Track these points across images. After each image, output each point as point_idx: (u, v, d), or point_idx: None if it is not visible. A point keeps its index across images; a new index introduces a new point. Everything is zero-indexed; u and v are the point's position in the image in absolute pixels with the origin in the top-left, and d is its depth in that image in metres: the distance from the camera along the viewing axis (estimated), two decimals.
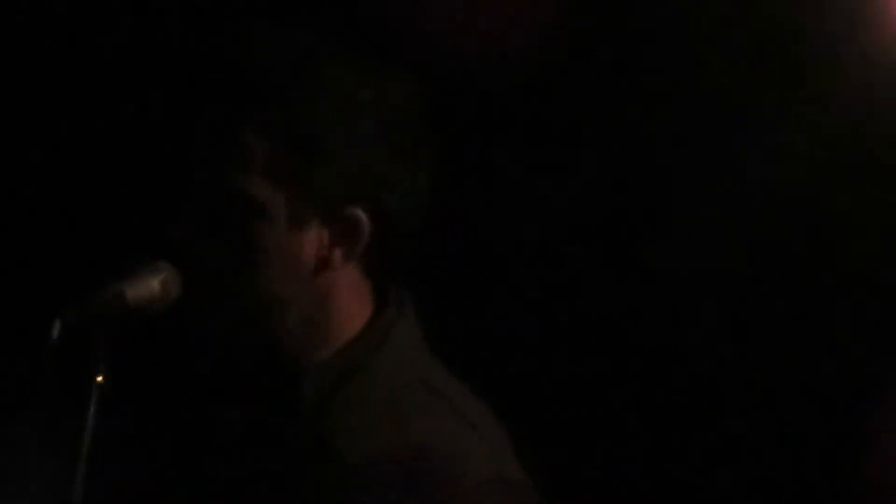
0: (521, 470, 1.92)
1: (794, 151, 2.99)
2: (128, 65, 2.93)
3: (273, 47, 1.85)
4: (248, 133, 1.81)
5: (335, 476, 1.85)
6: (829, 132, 2.97)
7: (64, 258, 2.28)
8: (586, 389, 3.12)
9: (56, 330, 1.73)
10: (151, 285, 1.81)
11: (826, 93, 2.95)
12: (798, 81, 2.97)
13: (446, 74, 2.67)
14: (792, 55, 2.95)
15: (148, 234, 1.88)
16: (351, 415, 1.86)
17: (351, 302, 1.89)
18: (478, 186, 3.04)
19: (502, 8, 2.96)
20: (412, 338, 1.93)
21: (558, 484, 2.55)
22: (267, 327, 1.86)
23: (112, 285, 1.78)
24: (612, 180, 3.13)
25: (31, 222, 2.97)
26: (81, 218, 2.88)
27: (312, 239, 1.84)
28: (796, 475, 3.08)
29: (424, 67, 2.01)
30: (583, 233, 3.18)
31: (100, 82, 2.96)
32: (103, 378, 1.75)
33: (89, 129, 2.97)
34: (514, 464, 1.92)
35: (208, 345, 1.90)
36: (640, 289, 3.16)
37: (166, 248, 1.83)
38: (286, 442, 1.90)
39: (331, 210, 1.84)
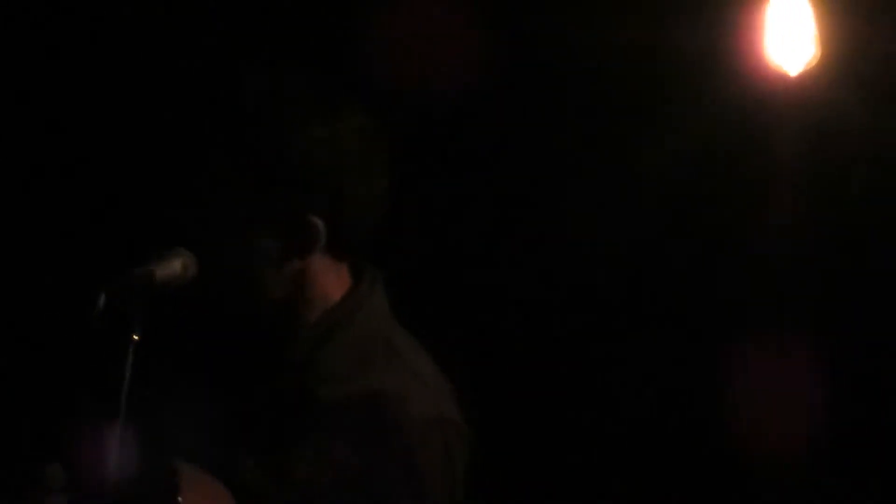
0: (459, 414, 2.27)
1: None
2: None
3: (258, 95, 2.24)
4: (225, 160, 2.24)
5: (314, 417, 2.22)
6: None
7: (107, 246, 2.65)
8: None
9: (102, 300, 2.11)
10: (174, 266, 2.19)
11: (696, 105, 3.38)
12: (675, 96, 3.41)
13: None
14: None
15: (173, 230, 2.26)
16: (327, 367, 2.25)
17: (326, 281, 2.28)
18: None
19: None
20: (380, 307, 2.32)
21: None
22: (259, 303, 2.27)
23: (144, 266, 2.17)
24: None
25: (83, 219, 3.38)
26: (119, 217, 3.29)
27: (281, 239, 2.25)
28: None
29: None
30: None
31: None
32: (138, 337, 2.11)
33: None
34: (453, 409, 2.27)
35: (220, 314, 2.30)
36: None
37: (188, 239, 2.23)
38: (278, 391, 2.28)
39: (293, 218, 2.24)
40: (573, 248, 3.52)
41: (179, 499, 2.12)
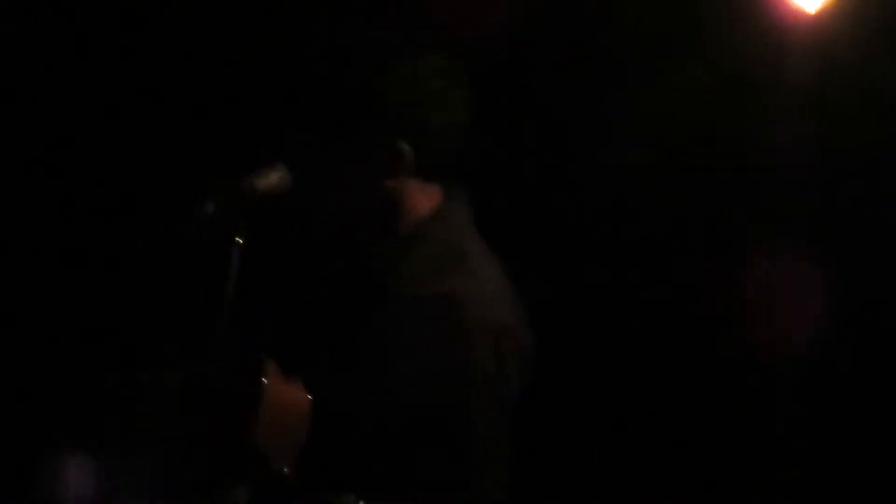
0: (519, 319, 2.52)
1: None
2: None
3: (359, 51, 2.52)
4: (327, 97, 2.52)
5: (390, 314, 2.51)
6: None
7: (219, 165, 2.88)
8: None
9: (210, 206, 2.37)
10: (272, 178, 2.45)
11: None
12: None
13: None
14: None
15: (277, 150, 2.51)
16: (408, 273, 2.53)
17: (416, 200, 2.56)
18: None
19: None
20: (461, 221, 2.59)
21: None
22: (357, 217, 2.56)
23: (246, 178, 2.43)
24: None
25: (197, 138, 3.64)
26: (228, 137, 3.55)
27: (375, 163, 2.54)
28: None
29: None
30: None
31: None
32: (241, 240, 2.36)
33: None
34: (511, 315, 2.51)
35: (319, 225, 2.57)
36: None
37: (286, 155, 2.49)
38: (364, 295, 2.55)
39: (385, 145, 2.52)
40: (602, 166, 3.70)
41: (263, 380, 2.34)
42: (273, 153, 2.50)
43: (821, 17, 3.47)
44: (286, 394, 2.40)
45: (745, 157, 3.65)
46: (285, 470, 2.38)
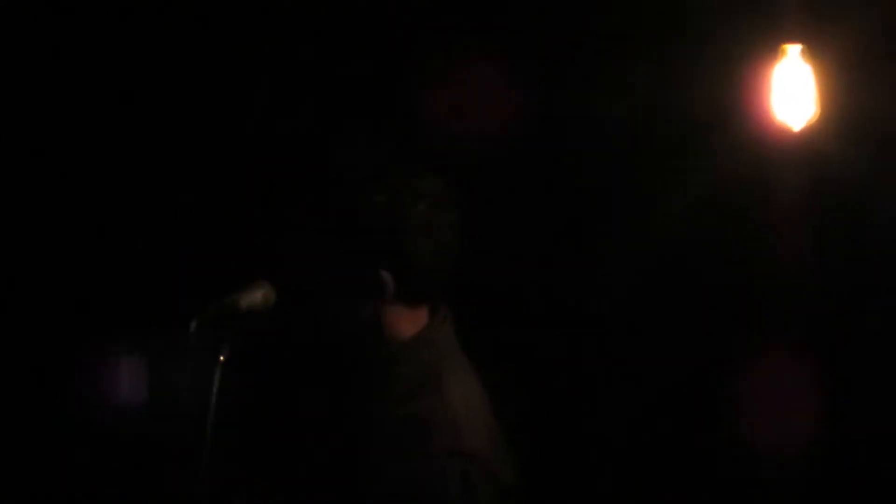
0: (495, 445, 2.53)
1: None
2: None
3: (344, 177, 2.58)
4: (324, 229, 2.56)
5: (369, 433, 2.54)
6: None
7: (200, 280, 2.91)
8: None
9: (194, 325, 2.42)
10: (256, 296, 2.50)
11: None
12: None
13: None
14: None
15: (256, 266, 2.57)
16: (387, 393, 2.55)
17: (399, 324, 2.57)
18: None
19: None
20: (443, 342, 2.60)
21: None
22: (343, 343, 2.59)
23: (230, 295, 2.48)
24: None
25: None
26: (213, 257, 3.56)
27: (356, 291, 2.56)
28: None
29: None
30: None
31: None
32: (224, 357, 2.41)
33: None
34: (485, 442, 2.51)
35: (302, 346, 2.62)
36: None
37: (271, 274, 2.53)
38: (345, 416, 2.58)
39: (365, 274, 2.53)
40: (601, 285, 3.73)
41: None
42: (258, 271, 2.55)
43: (806, 133, 3.52)
44: None
45: (735, 275, 3.68)
46: None
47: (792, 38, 3.48)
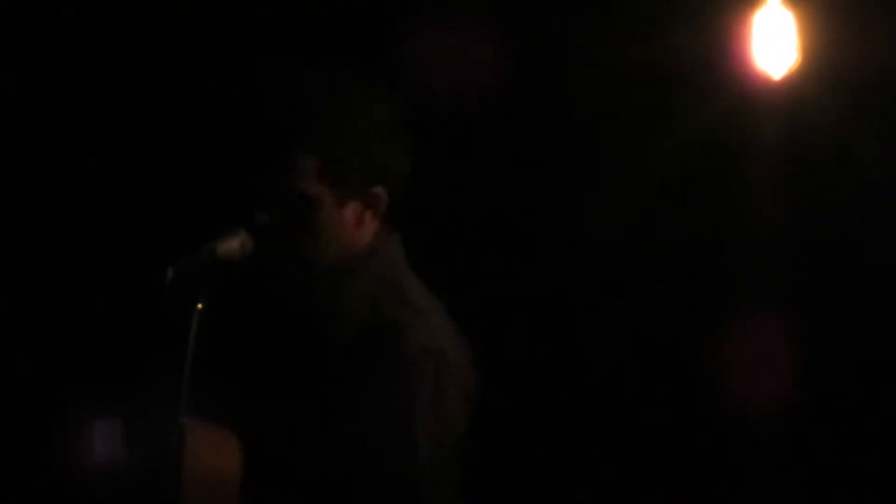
0: (459, 349, 2.56)
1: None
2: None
3: (311, 89, 2.55)
4: (299, 153, 2.54)
5: (334, 345, 2.55)
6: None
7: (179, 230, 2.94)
8: None
9: (170, 274, 2.42)
10: (233, 244, 2.49)
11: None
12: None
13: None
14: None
15: (236, 214, 2.54)
16: (348, 305, 2.57)
17: (366, 237, 2.61)
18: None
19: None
20: (393, 255, 2.64)
21: None
22: (314, 266, 2.59)
23: (208, 244, 2.47)
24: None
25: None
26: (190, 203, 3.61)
27: (351, 211, 2.58)
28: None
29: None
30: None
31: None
32: (202, 305, 2.40)
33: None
34: (452, 343, 2.56)
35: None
36: None
37: (249, 222, 2.51)
38: (301, 337, 2.59)
39: (361, 191, 2.58)
40: (584, 234, 3.75)
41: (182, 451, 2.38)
42: (235, 217, 2.55)
43: (787, 81, 3.51)
44: (211, 459, 2.45)
45: (718, 224, 3.69)
46: None
47: None
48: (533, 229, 3.79)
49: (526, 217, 3.79)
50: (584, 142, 3.75)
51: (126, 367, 3.47)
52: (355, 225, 2.59)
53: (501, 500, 3.54)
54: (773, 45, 3.50)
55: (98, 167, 3.79)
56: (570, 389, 3.76)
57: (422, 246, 2.71)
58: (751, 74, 3.52)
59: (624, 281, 3.78)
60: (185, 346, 2.41)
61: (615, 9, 3.65)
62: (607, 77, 3.67)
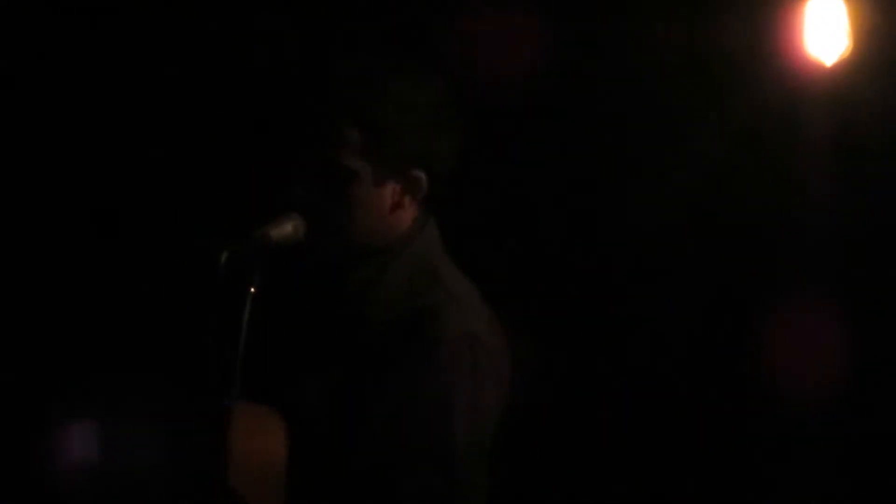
0: (494, 334, 2.54)
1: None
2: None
3: (356, 64, 2.55)
4: (344, 126, 2.52)
5: (367, 339, 2.52)
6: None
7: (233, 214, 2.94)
8: None
9: (224, 257, 2.40)
10: (286, 228, 2.48)
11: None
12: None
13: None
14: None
15: (284, 194, 2.54)
16: (387, 289, 2.55)
17: (404, 222, 2.59)
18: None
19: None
20: (430, 240, 2.61)
21: None
22: (349, 243, 2.57)
23: (261, 228, 2.46)
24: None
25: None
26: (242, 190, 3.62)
27: (389, 192, 2.56)
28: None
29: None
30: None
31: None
32: (255, 289, 2.42)
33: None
34: (486, 328, 2.52)
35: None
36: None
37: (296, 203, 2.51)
38: (340, 319, 2.58)
39: (402, 172, 2.56)
40: (630, 220, 3.75)
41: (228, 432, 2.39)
42: (288, 201, 2.54)
43: (838, 68, 3.51)
44: (258, 440, 2.45)
45: (766, 211, 3.68)
46: None
47: None
48: (575, 218, 3.79)
49: (567, 206, 3.79)
50: (631, 130, 3.74)
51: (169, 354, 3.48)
52: (393, 207, 2.57)
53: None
54: (825, 31, 3.51)
55: (153, 152, 3.82)
56: (608, 379, 3.77)
57: (459, 232, 2.70)
58: (802, 62, 3.53)
59: (670, 272, 3.76)
60: (238, 329, 2.41)
61: None
62: (656, 64, 3.67)
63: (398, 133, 2.54)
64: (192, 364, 2.51)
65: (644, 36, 3.62)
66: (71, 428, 3.01)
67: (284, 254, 2.52)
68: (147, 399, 3.06)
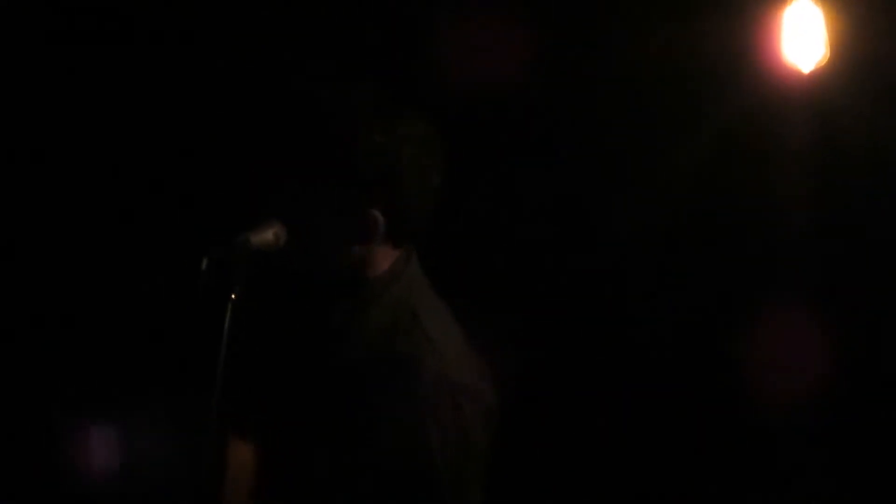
0: (474, 371, 2.52)
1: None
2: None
3: (335, 118, 2.53)
4: (314, 153, 2.53)
5: (350, 373, 2.51)
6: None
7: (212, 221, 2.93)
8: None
9: (205, 263, 2.39)
10: (267, 234, 2.47)
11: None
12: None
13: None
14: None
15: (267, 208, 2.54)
16: (364, 332, 2.54)
17: (383, 264, 2.57)
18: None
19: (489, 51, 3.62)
20: (413, 278, 2.59)
21: None
22: (331, 276, 2.57)
23: (241, 234, 2.45)
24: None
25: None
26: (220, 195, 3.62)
27: (349, 226, 2.53)
28: None
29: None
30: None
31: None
32: (236, 295, 2.38)
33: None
34: (465, 368, 2.51)
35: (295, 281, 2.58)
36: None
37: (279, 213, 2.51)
38: (320, 358, 2.57)
39: (357, 211, 2.53)
40: (611, 223, 3.75)
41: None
42: (268, 210, 2.54)
43: (816, 76, 3.52)
44: (243, 458, 2.48)
45: (745, 216, 3.69)
46: None
47: None
48: (558, 225, 3.80)
49: (551, 213, 3.80)
50: (611, 137, 3.74)
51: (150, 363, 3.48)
52: (356, 241, 2.56)
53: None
54: (803, 39, 3.51)
55: (135, 158, 3.83)
56: (596, 382, 3.77)
57: (448, 237, 2.72)
58: (780, 68, 3.53)
59: (650, 277, 3.78)
60: (218, 335, 2.40)
61: (643, 2, 3.65)
62: (635, 71, 3.67)
63: (363, 172, 2.53)
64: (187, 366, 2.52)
65: (623, 43, 3.63)
66: (91, 431, 3.01)
67: (266, 261, 2.51)
68: (153, 401, 3.05)
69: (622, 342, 3.77)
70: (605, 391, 3.75)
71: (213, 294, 2.41)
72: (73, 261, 3.79)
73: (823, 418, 3.62)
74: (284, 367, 2.62)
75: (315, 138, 2.53)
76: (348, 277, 2.57)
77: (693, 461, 3.71)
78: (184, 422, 2.46)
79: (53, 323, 3.75)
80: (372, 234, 2.53)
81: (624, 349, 3.76)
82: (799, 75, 3.52)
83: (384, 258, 2.58)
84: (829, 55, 3.50)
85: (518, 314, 3.62)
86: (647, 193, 3.70)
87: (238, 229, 2.49)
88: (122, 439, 3.19)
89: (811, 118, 3.57)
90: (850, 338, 3.61)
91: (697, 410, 3.69)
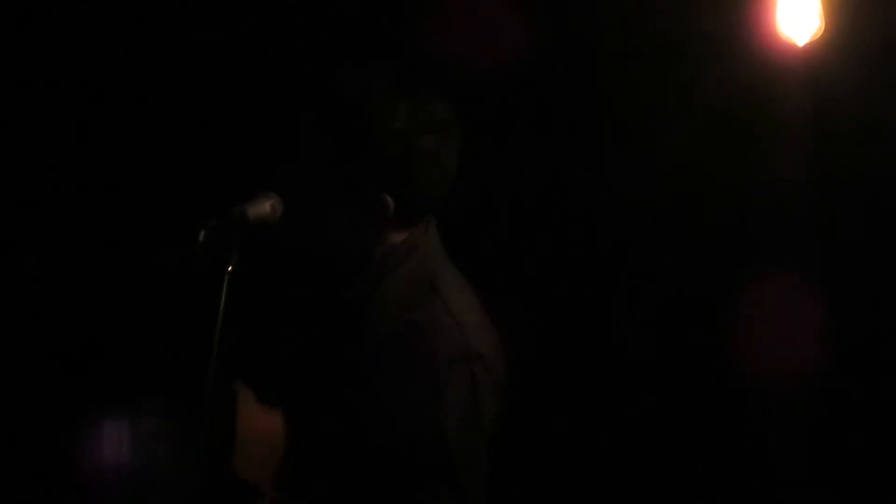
0: (490, 343, 2.52)
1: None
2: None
3: (348, 96, 2.52)
4: (325, 134, 2.52)
5: (366, 343, 2.52)
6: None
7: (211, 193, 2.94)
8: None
9: (202, 236, 2.39)
10: (264, 207, 2.46)
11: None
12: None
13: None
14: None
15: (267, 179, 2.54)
16: (380, 303, 2.53)
17: (394, 241, 2.56)
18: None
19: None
20: (431, 248, 2.59)
21: None
22: (338, 254, 2.57)
23: (239, 206, 2.44)
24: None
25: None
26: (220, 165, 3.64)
27: (357, 210, 2.54)
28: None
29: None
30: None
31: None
32: (232, 268, 2.38)
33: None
34: (483, 339, 2.50)
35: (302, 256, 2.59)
36: None
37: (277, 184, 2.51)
38: (338, 327, 2.56)
39: (368, 195, 2.52)
40: (611, 199, 3.76)
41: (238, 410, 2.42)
42: (266, 182, 2.54)
43: (811, 49, 3.53)
44: (261, 422, 2.46)
45: (740, 190, 3.69)
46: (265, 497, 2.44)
47: None
48: (555, 202, 3.80)
49: (549, 190, 3.80)
50: (608, 113, 3.74)
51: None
52: (363, 222, 2.56)
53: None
54: (797, 12, 3.52)
55: (132, 134, 3.83)
56: (595, 359, 3.78)
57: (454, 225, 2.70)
58: (775, 42, 3.54)
59: (645, 252, 3.78)
60: (215, 307, 2.40)
61: None
62: (630, 47, 3.67)
63: (378, 156, 2.53)
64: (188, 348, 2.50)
65: (617, 19, 3.63)
66: (100, 427, 3.01)
67: (263, 233, 2.50)
68: (159, 393, 3.05)
69: (616, 325, 3.79)
70: (598, 377, 3.77)
71: (210, 266, 2.41)
72: (73, 240, 3.79)
73: (819, 410, 3.63)
74: (300, 343, 2.63)
75: (332, 120, 2.53)
76: (355, 253, 2.57)
77: (690, 455, 3.72)
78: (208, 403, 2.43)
79: (54, 310, 3.76)
80: (380, 217, 2.54)
81: (617, 331, 3.79)
82: (794, 48, 3.53)
83: (397, 234, 2.58)
84: (823, 28, 3.51)
85: (511, 298, 3.50)
86: (640, 168, 3.70)
87: (237, 202, 2.48)
88: (124, 424, 3.19)
89: (806, 91, 3.58)
90: (848, 315, 3.62)
91: (690, 400, 3.71)
